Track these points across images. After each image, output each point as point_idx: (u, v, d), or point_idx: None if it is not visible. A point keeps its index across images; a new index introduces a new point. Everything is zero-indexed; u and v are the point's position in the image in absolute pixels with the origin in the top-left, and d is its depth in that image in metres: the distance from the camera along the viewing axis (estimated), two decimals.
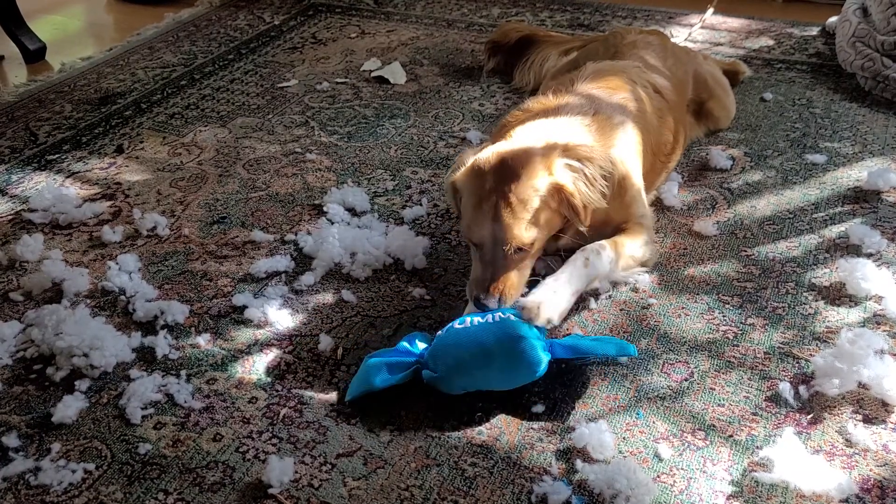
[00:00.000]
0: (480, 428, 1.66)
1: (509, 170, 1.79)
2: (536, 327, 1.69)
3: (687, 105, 2.49)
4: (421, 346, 1.75)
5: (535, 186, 1.79)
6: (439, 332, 1.74)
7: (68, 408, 1.71)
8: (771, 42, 3.34)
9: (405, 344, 1.75)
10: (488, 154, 1.85)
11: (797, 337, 1.85)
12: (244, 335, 1.93)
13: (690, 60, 2.59)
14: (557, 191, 1.81)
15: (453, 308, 1.96)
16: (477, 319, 1.71)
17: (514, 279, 1.80)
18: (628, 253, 1.97)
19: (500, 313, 1.71)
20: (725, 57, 3.20)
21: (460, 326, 1.70)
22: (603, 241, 1.92)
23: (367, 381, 1.69)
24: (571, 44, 2.96)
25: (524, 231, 1.78)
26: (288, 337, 1.92)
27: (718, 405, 1.69)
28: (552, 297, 1.74)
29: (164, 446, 1.64)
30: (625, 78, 2.20)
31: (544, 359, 1.65)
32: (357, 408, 1.71)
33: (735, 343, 1.84)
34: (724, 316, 1.92)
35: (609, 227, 2.00)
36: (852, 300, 1.95)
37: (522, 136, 1.91)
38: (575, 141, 1.90)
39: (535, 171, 1.80)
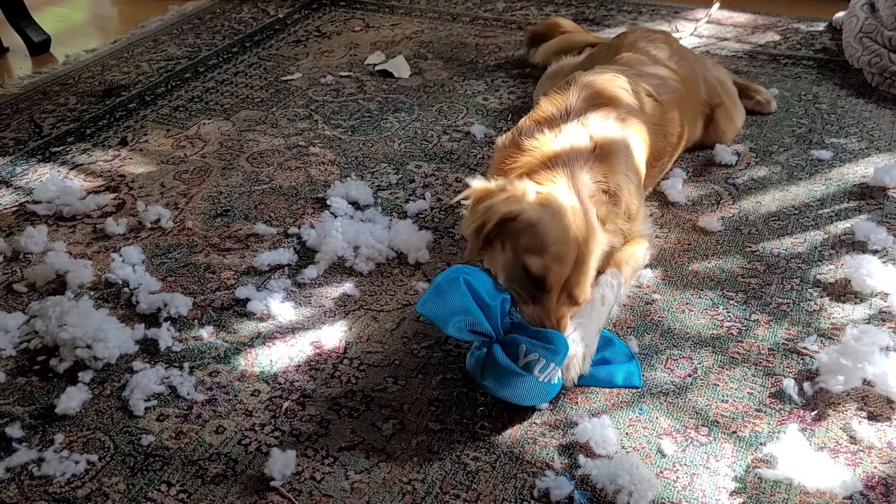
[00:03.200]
0: (483, 422, 1.65)
1: (590, 230, 1.73)
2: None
3: (702, 106, 2.45)
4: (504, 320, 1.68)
5: (601, 252, 1.77)
6: (518, 334, 1.65)
7: (71, 399, 1.71)
8: (777, 37, 3.32)
9: (498, 303, 1.64)
10: (565, 200, 1.75)
11: (802, 333, 1.84)
12: (247, 328, 1.93)
13: (698, 61, 2.55)
14: (607, 253, 1.82)
15: None
16: (549, 369, 1.60)
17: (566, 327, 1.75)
18: (633, 268, 1.95)
19: (559, 364, 1.62)
20: (731, 52, 3.19)
21: (528, 360, 1.59)
22: (613, 269, 1.87)
23: (446, 318, 1.58)
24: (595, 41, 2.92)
25: (588, 294, 1.75)
26: (290, 330, 1.92)
27: (722, 401, 1.68)
28: (583, 350, 1.68)
29: (166, 438, 1.65)
30: (618, 86, 2.11)
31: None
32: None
33: (739, 339, 1.84)
34: (728, 312, 1.92)
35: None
36: (857, 297, 1.94)
37: (563, 187, 1.81)
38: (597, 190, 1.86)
39: (602, 237, 1.77)
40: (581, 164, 1.85)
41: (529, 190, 1.75)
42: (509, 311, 1.67)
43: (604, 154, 1.90)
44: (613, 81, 2.13)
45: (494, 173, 1.96)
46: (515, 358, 1.59)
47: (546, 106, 2.06)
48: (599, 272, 1.84)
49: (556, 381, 1.64)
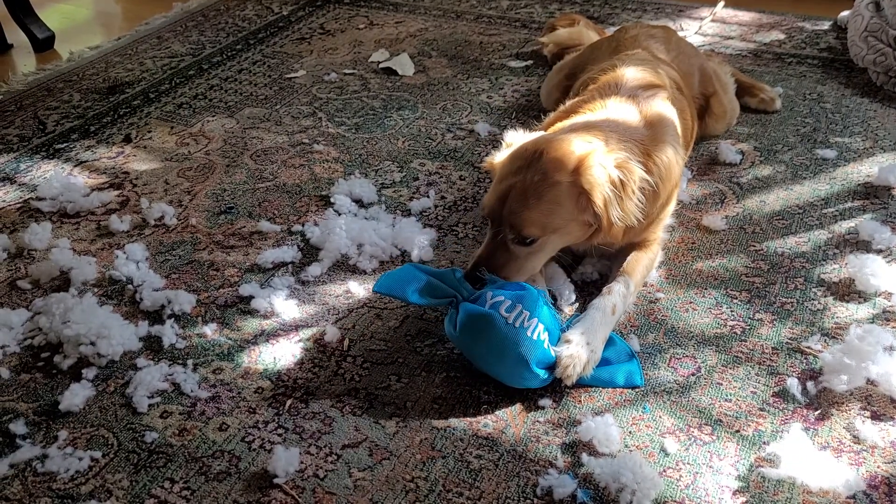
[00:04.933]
0: (486, 420, 1.65)
1: (539, 158, 1.72)
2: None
3: (696, 99, 2.47)
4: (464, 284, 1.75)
5: (556, 182, 1.71)
6: (486, 287, 1.70)
7: (75, 396, 1.72)
8: (782, 36, 3.31)
9: (445, 284, 1.74)
10: (531, 138, 1.82)
11: (805, 332, 1.84)
12: (251, 325, 1.93)
13: (696, 54, 2.56)
14: (581, 195, 1.72)
15: None
16: (516, 310, 1.63)
17: (512, 269, 1.77)
18: (642, 276, 1.94)
19: (533, 314, 1.64)
20: (736, 51, 3.18)
21: (495, 301, 1.64)
22: (626, 278, 1.86)
23: (403, 289, 1.71)
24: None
25: (528, 225, 1.73)
26: (294, 327, 1.92)
27: (725, 400, 1.68)
28: (587, 354, 1.67)
29: (170, 435, 1.65)
30: (659, 78, 2.14)
31: (537, 379, 1.66)
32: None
33: (743, 338, 1.84)
34: (731, 311, 1.91)
35: (630, 239, 1.95)
36: (861, 296, 1.94)
37: (571, 130, 1.84)
38: (623, 145, 1.81)
39: (563, 166, 1.71)
40: (621, 128, 1.89)
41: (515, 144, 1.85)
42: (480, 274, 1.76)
43: (653, 128, 1.94)
44: (653, 72, 2.16)
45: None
46: (482, 305, 1.66)
47: (597, 90, 2.09)
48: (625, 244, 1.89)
49: (532, 334, 1.62)
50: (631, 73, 2.10)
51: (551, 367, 1.66)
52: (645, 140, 1.90)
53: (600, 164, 1.73)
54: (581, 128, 1.89)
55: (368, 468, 1.56)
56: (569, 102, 2.13)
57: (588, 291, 1.94)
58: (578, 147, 1.76)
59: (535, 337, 1.63)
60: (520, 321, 1.63)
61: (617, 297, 1.81)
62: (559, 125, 1.99)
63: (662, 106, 2.03)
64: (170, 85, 3.13)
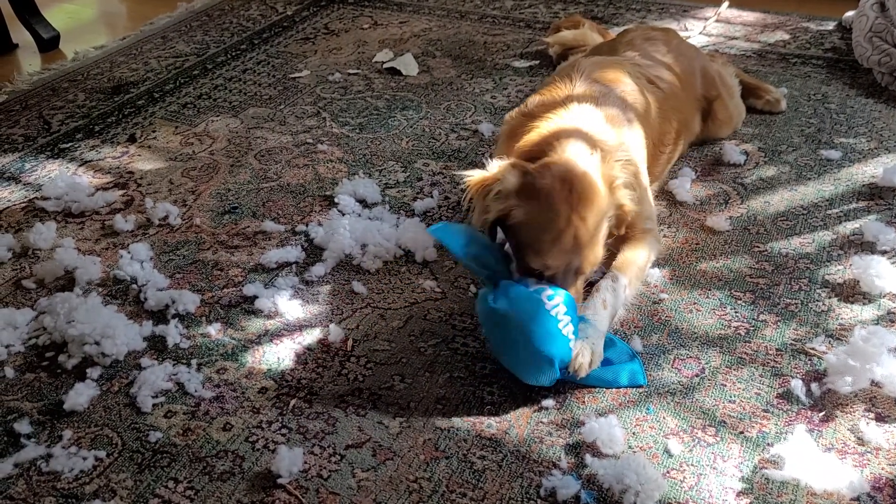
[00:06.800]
0: (490, 421, 1.65)
1: (580, 197, 1.71)
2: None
3: (698, 101, 2.46)
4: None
5: (605, 212, 1.75)
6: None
7: (80, 395, 1.72)
8: (786, 36, 3.31)
9: (493, 258, 1.75)
10: (548, 179, 1.73)
11: (810, 334, 1.84)
12: (255, 325, 1.93)
13: (697, 56, 2.55)
14: (618, 212, 1.81)
15: (463, 301, 1.96)
16: (554, 301, 1.64)
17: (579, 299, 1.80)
18: (639, 268, 1.94)
19: (562, 308, 1.65)
20: (740, 51, 3.18)
21: (539, 286, 1.66)
22: (614, 272, 1.87)
23: (456, 240, 1.70)
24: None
25: (598, 255, 1.77)
26: (298, 327, 1.92)
27: (729, 401, 1.68)
28: (588, 349, 1.67)
29: (174, 435, 1.65)
30: (620, 70, 2.17)
31: (550, 378, 1.66)
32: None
33: (747, 339, 1.83)
34: (735, 312, 1.91)
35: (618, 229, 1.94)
36: (866, 297, 1.93)
37: (569, 151, 1.80)
38: (609, 146, 1.87)
39: (603, 195, 1.75)
40: (586, 134, 1.88)
41: (516, 181, 1.74)
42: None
43: (610, 126, 1.95)
44: (616, 64, 2.19)
45: (503, 145, 2.03)
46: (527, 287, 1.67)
47: (554, 85, 2.10)
48: (625, 236, 1.90)
49: (564, 330, 1.63)
50: (585, 75, 2.11)
51: (565, 367, 1.66)
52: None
53: (615, 175, 1.78)
54: (565, 136, 1.87)
55: (372, 468, 1.56)
56: (529, 103, 2.09)
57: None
58: (591, 167, 1.77)
59: (566, 334, 1.63)
60: (556, 312, 1.63)
61: (606, 293, 1.81)
62: (532, 136, 1.92)
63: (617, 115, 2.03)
64: (174, 85, 3.13)
